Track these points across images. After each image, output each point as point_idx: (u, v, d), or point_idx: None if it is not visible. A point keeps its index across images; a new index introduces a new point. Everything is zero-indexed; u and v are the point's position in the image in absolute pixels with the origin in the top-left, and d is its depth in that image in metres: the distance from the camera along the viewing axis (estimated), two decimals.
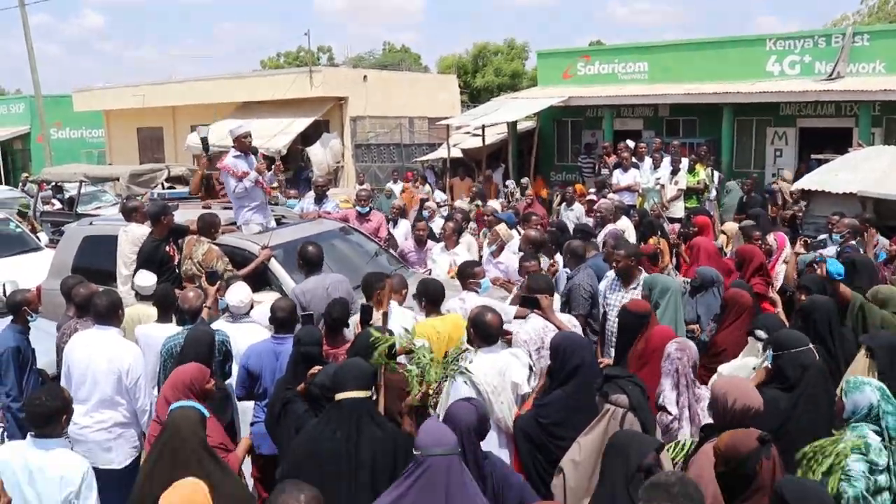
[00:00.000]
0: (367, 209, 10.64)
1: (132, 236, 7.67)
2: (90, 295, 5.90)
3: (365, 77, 26.03)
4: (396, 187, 17.85)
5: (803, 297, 6.06)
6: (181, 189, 14.38)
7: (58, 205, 17.50)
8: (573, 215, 12.29)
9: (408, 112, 25.49)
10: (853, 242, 8.29)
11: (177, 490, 3.25)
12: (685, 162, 13.49)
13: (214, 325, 5.91)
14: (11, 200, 18.67)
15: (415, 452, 3.37)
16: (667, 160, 13.45)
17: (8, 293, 6.93)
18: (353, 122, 24.94)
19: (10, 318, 6.17)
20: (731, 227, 10.40)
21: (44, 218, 15.72)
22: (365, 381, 3.99)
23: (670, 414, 4.69)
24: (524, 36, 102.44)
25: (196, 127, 16.17)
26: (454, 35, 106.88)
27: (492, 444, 4.39)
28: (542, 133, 19.43)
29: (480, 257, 8.96)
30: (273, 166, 8.76)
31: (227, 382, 5.69)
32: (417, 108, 26.09)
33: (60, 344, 6.05)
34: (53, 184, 18.20)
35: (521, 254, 7.69)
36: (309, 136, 23.93)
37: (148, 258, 7.30)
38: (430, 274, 8.45)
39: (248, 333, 5.94)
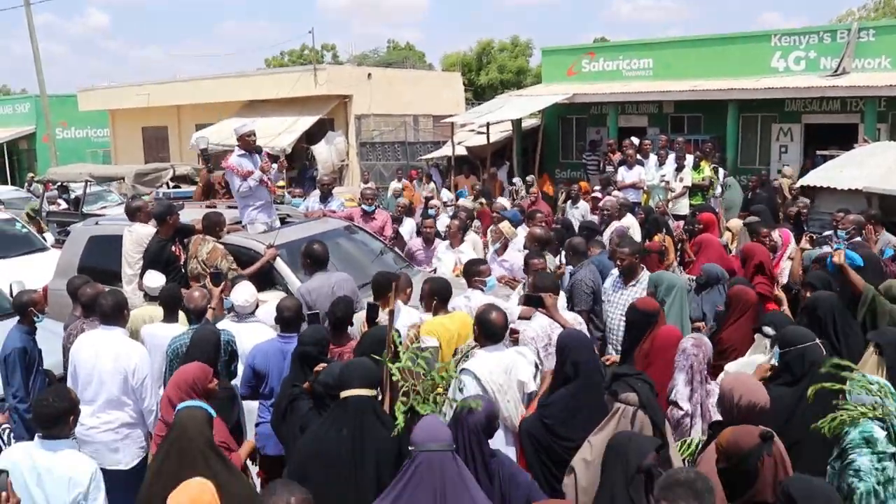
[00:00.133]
0: (373, 208, 10.66)
1: (136, 236, 7.68)
2: (97, 295, 5.91)
3: (369, 75, 26.00)
4: (397, 185, 17.83)
5: (808, 294, 6.05)
6: (186, 188, 14.42)
7: (63, 205, 17.56)
8: (578, 213, 12.29)
9: (412, 110, 25.44)
10: (858, 238, 8.27)
11: (184, 490, 3.26)
12: (690, 159, 13.47)
13: (219, 325, 5.92)
14: (19, 201, 18.76)
15: (409, 448, 3.38)
16: (672, 157, 13.43)
17: (14, 294, 6.96)
18: (357, 121, 24.91)
19: (17, 318, 6.18)
20: (736, 223, 10.39)
21: (49, 218, 15.79)
22: (371, 379, 4.00)
23: (681, 409, 4.70)
24: (528, 33, 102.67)
25: (199, 127, 16.21)
26: (458, 33, 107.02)
27: (499, 442, 4.39)
28: (546, 130, 19.39)
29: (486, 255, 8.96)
30: (277, 162, 8.75)
31: (232, 383, 5.70)
32: (422, 106, 26.03)
33: (67, 344, 6.06)
34: (59, 184, 18.28)
35: (526, 251, 7.70)
36: (313, 135, 23.91)
37: (154, 258, 7.30)
38: (435, 272, 8.45)
39: (253, 333, 5.94)
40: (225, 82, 26.39)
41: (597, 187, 13.73)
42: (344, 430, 3.85)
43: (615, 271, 7.01)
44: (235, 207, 8.34)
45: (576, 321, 5.82)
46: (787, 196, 12.83)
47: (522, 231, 8.99)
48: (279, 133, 22.64)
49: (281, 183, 13.37)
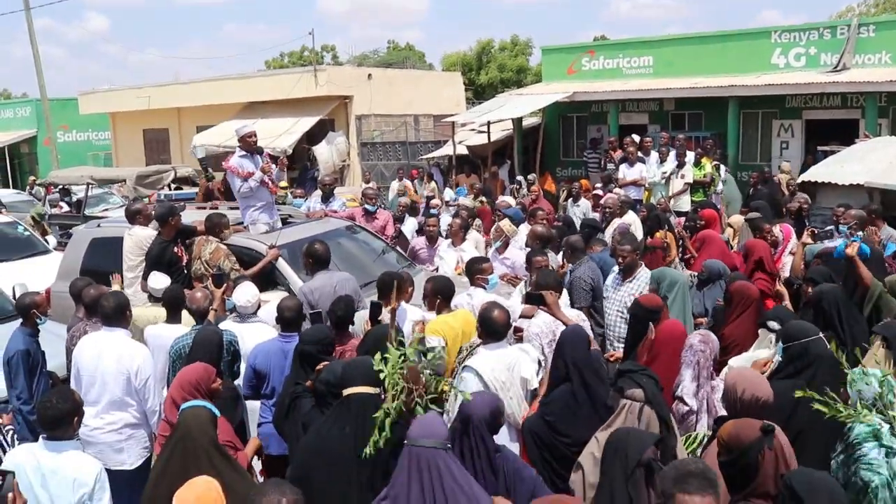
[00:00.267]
0: (375, 207, 10.66)
1: (136, 239, 7.70)
2: (99, 297, 5.92)
3: (369, 75, 26.00)
4: (398, 186, 17.87)
5: (810, 290, 6.04)
6: (188, 190, 14.45)
7: (65, 207, 17.61)
8: (580, 211, 12.29)
9: (413, 110, 25.44)
10: (860, 233, 8.26)
11: (190, 488, 3.27)
12: (691, 155, 13.49)
13: (222, 326, 5.93)
14: (21, 204, 18.78)
15: (404, 442, 3.39)
16: (672, 154, 13.45)
17: (17, 296, 6.97)
18: (358, 121, 24.92)
19: (20, 321, 6.19)
20: (738, 220, 10.38)
21: (51, 221, 15.81)
22: (373, 377, 4.00)
23: (687, 405, 4.70)
24: (528, 32, 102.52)
25: (200, 129, 16.24)
26: (458, 32, 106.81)
27: (502, 438, 4.39)
28: (547, 129, 19.37)
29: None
30: (277, 161, 8.77)
31: (235, 383, 5.71)
32: (422, 106, 26.04)
33: (70, 346, 6.07)
34: (61, 187, 18.33)
35: (528, 249, 7.70)
36: (314, 136, 23.91)
37: (156, 260, 7.31)
38: (437, 271, 8.47)
39: (255, 333, 5.96)
40: (225, 84, 26.39)
41: (598, 185, 13.74)
42: (347, 427, 3.85)
43: (616, 268, 7.02)
44: (237, 208, 8.35)
45: (579, 318, 5.82)
46: (784, 192, 12.82)
47: (524, 229, 9.00)
48: (280, 134, 22.64)
49: (283, 183, 13.39)
